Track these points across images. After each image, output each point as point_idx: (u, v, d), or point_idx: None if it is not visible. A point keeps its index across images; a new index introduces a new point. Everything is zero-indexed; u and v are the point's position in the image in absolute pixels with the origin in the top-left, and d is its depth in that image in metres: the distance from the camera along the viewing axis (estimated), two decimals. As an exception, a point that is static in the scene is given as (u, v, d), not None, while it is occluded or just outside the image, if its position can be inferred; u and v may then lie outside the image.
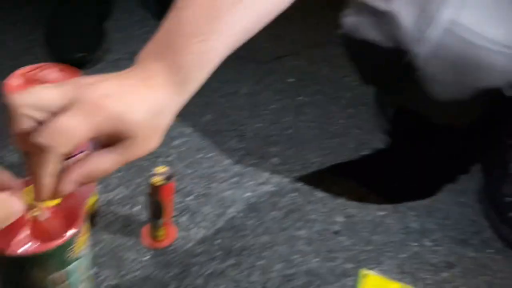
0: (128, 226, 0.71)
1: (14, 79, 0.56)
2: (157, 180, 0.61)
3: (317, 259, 0.71)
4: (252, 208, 0.78)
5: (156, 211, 0.64)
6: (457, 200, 0.87)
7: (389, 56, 0.62)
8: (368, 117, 1.04)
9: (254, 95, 1.05)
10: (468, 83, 0.63)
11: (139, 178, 0.79)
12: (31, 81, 0.56)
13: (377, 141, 0.98)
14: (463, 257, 0.76)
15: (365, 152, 0.94)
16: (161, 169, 0.62)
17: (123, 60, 1.06)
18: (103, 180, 0.77)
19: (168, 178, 0.61)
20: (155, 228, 0.66)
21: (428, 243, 0.78)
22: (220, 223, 0.74)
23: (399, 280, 0.71)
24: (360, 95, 1.11)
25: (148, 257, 0.67)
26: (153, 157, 0.83)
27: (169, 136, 0.89)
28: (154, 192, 0.61)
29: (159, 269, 0.66)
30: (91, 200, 0.67)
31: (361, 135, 0.99)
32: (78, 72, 0.59)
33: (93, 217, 0.70)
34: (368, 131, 1.00)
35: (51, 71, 0.59)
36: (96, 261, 0.65)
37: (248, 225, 0.75)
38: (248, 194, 0.80)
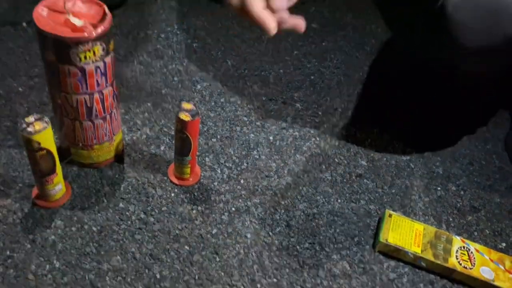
0: (154, 165, 0.71)
1: (40, 9, 0.55)
2: (184, 115, 0.60)
3: (340, 200, 0.72)
4: (275, 151, 0.78)
5: (183, 148, 0.64)
6: (483, 147, 0.86)
7: (418, 3, 0.60)
8: (393, 63, 1.02)
9: (277, 40, 1.02)
10: (499, 30, 0.60)
11: (163, 119, 0.79)
12: (56, 11, 0.56)
13: (402, 87, 0.96)
14: (488, 202, 0.76)
15: (390, 99, 0.92)
16: (188, 105, 0.62)
17: (148, 4, 1.04)
18: (128, 121, 0.78)
19: (195, 114, 0.61)
20: (181, 165, 0.67)
21: (453, 188, 0.77)
22: (244, 164, 0.74)
23: (423, 222, 0.71)
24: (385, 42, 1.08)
25: (174, 194, 0.68)
26: (177, 100, 0.83)
27: (192, 80, 0.88)
28: (182, 127, 0.61)
29: (185, 205, 0.67)
30: (117, 138, 0.68)
31: (385, 81, 0.97)
32: (102, 5, 0.58)
33: (120, 155, 0.70)
34: (393, 78, 0.98)
35: (75, 2, 0.58)
36: (125, 196, 0.66)
37: (272, 166, 0.75)
38: (271, 137, 0.80)
